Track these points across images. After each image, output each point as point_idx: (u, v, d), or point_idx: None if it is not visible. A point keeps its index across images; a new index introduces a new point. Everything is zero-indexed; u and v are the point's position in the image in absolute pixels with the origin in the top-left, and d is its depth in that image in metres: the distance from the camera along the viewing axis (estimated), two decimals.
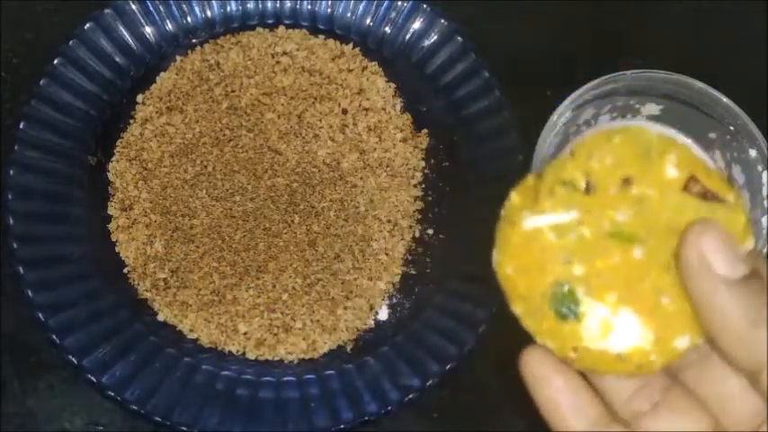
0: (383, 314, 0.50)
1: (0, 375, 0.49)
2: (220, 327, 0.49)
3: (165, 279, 0.50)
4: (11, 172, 0.49)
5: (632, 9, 0.58)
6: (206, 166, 0.52)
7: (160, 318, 0.49)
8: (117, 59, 0.54)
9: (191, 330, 0.49)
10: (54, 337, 0.46)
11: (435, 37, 0.54)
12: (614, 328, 0.28)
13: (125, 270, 0.50)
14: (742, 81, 0.52)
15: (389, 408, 0.46)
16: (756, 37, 0.57)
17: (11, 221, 0.48)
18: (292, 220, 0.51)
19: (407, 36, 0.55)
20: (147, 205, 0.51)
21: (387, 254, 0.51)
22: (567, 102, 0.48)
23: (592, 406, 0.29)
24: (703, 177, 0.28)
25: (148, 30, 0.54)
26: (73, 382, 0.48)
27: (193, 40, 0.55)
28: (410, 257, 0.51)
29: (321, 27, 0.56)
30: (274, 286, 0.50)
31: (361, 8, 0.55)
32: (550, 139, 0.49)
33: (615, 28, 0.58)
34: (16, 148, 0.50)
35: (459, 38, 0.54)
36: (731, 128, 0.49)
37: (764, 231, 0.47)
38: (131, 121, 0.53)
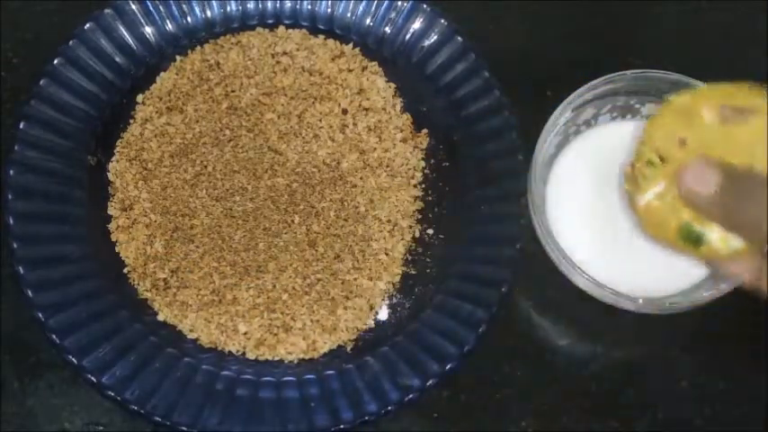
0: (383, 314, 0.50)
1: (0, 375, 0.49)
2: (220, 327, 0.49)
3: (165, 279, 0.50)
4: (11, 172, 0.50)
5: (632, 9, 0.58)
6: (206, 166, 0.52)
7: (160, 318, 0.49)
8: (117, 59, 0.54)
9: (191, 330, 0.49)
10: (54, 337, 0.46)
11: (435, 37, 0.54)
12: (727, 237, 0.39)
13: (125, 270, 0.50)
14: (742, 81, 0.52)
15: (389, 408, 0.46)
16: (756, 37, 0.57)
17: (11, 221, 0.48)
18: (292, 220, 0.51)
19: (407, 36, 0.55)
20: (147, 205, 0.51)
21: (387, 254, 0.51)
22: (566, 102, 0.48)
23: None
24: (729, 101, 0.38)
25: (148, 30, 0.54)
26: (73, 382, 0.48)
27: (193, 40, 0.55)
28: (410, 257, 0.51)
29: (321, 27, 0.56)
30: (274, 286, 0.50)
31: (361, 8, 0.55)
32: (550, 139, 0.49)
33: (615, 28, 0.58)
34: (16, 148, 0.50)
35: (459, 38, 0.54)
36: None
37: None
38: (131, 121, 0.53)
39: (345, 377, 0.47)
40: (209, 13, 0.55)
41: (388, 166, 0.53)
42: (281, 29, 0.56)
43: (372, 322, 0.50)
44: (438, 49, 0.54)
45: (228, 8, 0.55)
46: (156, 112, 0.53)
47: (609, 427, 0.49)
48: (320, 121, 0.54)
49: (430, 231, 0.52)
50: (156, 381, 0.47)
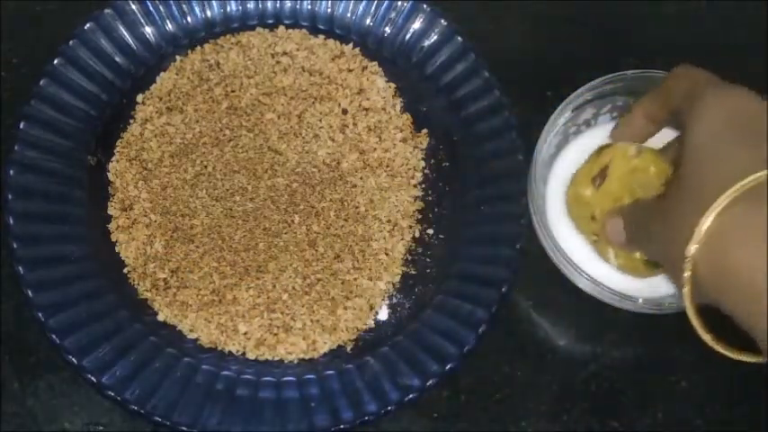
0: (383, 314, 0.50)
1: (0, 375, 0.49)
2: (220, 327, 0.49)
3: (165, 279, 0.50)
4: (11, 172, 0.50)
5: (632, 9, 0.58)
6: (206, 166, 0.52)
7: (160, 318, 0.49)
8: (117, 59, 0.54)
9: (191, 330, 0.49)
10: (54, 337, 0.46)
11: (435, 37, 0.54)
12: None
13: (125, 270, 0.50)
14: (742, 81, 0.52)
15: (389, 408, 0.46)
16: (756, 37, 0.57)
17: (11, 221, 0.48)
18: (292, 220, 0.51)
19: (407, 36, 0.55)
20: (147, 205, 0.51)
21: (387, 254, 0.51)
22: (566, 102, 0.48)
23: None
24: (591, 173, 0.46)
25: (148, 30, 0.54)
26: (73, 382, 0.48)
27: (193, 40, 0.55)
28: (410, 257, 0.51)
29: (321, 27, 0.56)
30: (274, 286, 0.50)
31: (361, 8, 0.55)
32: (550, 139, 0.49)
33: (615, 28, 0.58)
34: (16, 148, 0.50)
35: (459, 38, 0.54)
36: None
37: None
38: (131, 121, 0.53)
39: (345, 377, 0.47)
40: (209, 13, 0.55)
41: (388, 166, 0.53)
42: (281, 29, 0.56)
43: (372, 322, 0.50)
44: (438, 49, 0.54)
45: (228, 8, 0.55)
46: (156, 112, 0.53)
47: (609, 427, 0.49)
48: (320, 121, 0.54)
49: (430, 231, 0.52)
50: (156, 381, 0.47)
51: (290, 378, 0.48)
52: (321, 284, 0.50)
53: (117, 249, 0.51)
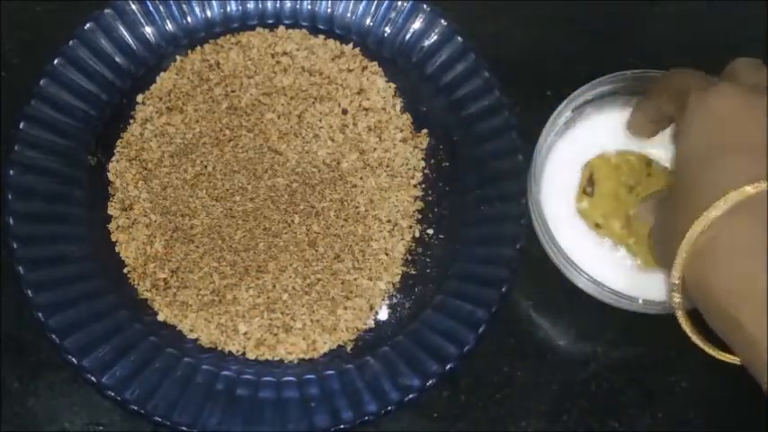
0: (383, 314, 0.50)
1: (0, 375, 0.49)
2: (220, 327, 0.49)
3: (165, 279, 0.50)
4: (11, 172, 0.50)
5: (632, 9, 0.58)
6: (206, 166, 0.52)
7: (160, 318, 0.49)
8: (117, 59, 0.54)
9: (191, 330, 0.49)
10: (54, 337, 0.46)
11: (435, 37, 0.54)
12: None
13: (125, 270, 0.50)
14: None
15: (389, 408, 0.46)
16: (756, 37, 0.57)
17: (11, 221, 0.48)
18: (292, 220, 0.51)
19: (407, 36, 0.55)
20: (147, 205, 0.51)
21: (387, 254, 0.51)
22: (566, 102, 0.48)
23: None
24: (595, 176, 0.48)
25: (148, 30, 0.54)
26: (73, 381, 0.48)
27: (193, 40, 0.55)
28: (410, 257, 0.51)
29: (321, 27, 0.56)
30: (274, 286, 0.50)
31: (361, 8, 0.55)
32: (550, 139, 0.49)
33: (615, 28, 0.58)
34: (16, 148, 0.50)
35: (459, 38, 0.54)
36: None
37: None
38: (131, 121, 0.53)
39: (345, 377, 0.47)
40: (209, 13, 0.55)
41: (388, 166, 0.53)
42: (281, 29, 0.56)
43: (372, 322, 0.50)
44: (438, 49, 0.54)
45: (228, 8, 0.55)
46: (156, 112, 0.53)
47: (609, 427, 0.49)
48: (320, 121, 0.54)
49: (430, 231, 0.52)
50: (156, 381, 0.47)
51: (290, 378, 0.48)
52: (321, 284, 0.50)
53: (117, 249, 0.51)
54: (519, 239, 0.49)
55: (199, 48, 0.55)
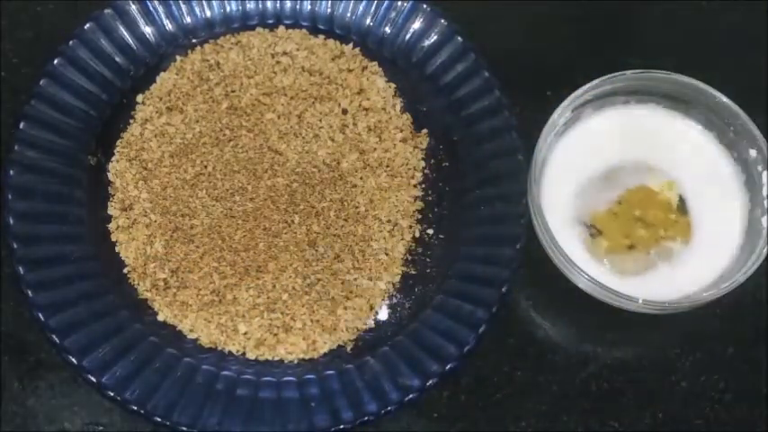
0: (383, 314, 0.50)
1: (0, 375, 0.49)
2: (220, 327, 0.49)
3: (165, 279, 0.50)
4: (11, 172, 0.50)
5: (632, 9, 0.58)
6: (206, 166, 0.52)
7: (160, 318, 0.49)
8: (117, 59, 0.54)
9: (191, 330, 0.49)
10: (54, 337, 0.46)
11: (435, 37, 0.54)
12: None
13: (125, 270, 0.50)
14: (742, 81, 0.52)
15: (389, 408, 0.46)
16: (756, 37, 0.57)
17: (11, 221, 0.48)
18: (292, 220, 0.51)
19: (407, 36, 0.55)
20: (147, 205, 0.51)
21: (387, 254, 0.51)
22: (566, 102, 0.48)
23: None
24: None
25: (148, 30, 0.54)
26: (73, 381, 0.48)
27: (193, 40, 0.55)
28: (410, 257, 0.51)
29: (321, 27, 0.56)
30: (274, 286, 0.50)
31: (361, 8, 0.55)
32: (550, 139, 0.49)
33: (615, 28, 0.58)
34: (16, 148, 0.50)
35: (459, 38, 0.54)
36: (731, 128, 0.49)
37: (764, 231, 0.47)
38: (131, 121, 0.53)
39: (345, 377, 0.47)
40: (209, 13, 0.55)
41: (388, 166, 0.53)
42: (281, 29, 0.56)
43: (372, 322, 0.50)
44: (438, 49, 0.54)
45: (228, 8, 0.55)
46: (156, 112, 0.53)
47: (609, 427, 0.49)
48: (320, 121, 0.54)
49: (430, 231, 0.52)
50: (156, 381, 0.47)
51: (290, 378, 0.48)
52: (321, 284, 0.50)
53: (117, 249, 0.51)
54: (519, 239, 0.49)
55: (199, 48, 0.55)
